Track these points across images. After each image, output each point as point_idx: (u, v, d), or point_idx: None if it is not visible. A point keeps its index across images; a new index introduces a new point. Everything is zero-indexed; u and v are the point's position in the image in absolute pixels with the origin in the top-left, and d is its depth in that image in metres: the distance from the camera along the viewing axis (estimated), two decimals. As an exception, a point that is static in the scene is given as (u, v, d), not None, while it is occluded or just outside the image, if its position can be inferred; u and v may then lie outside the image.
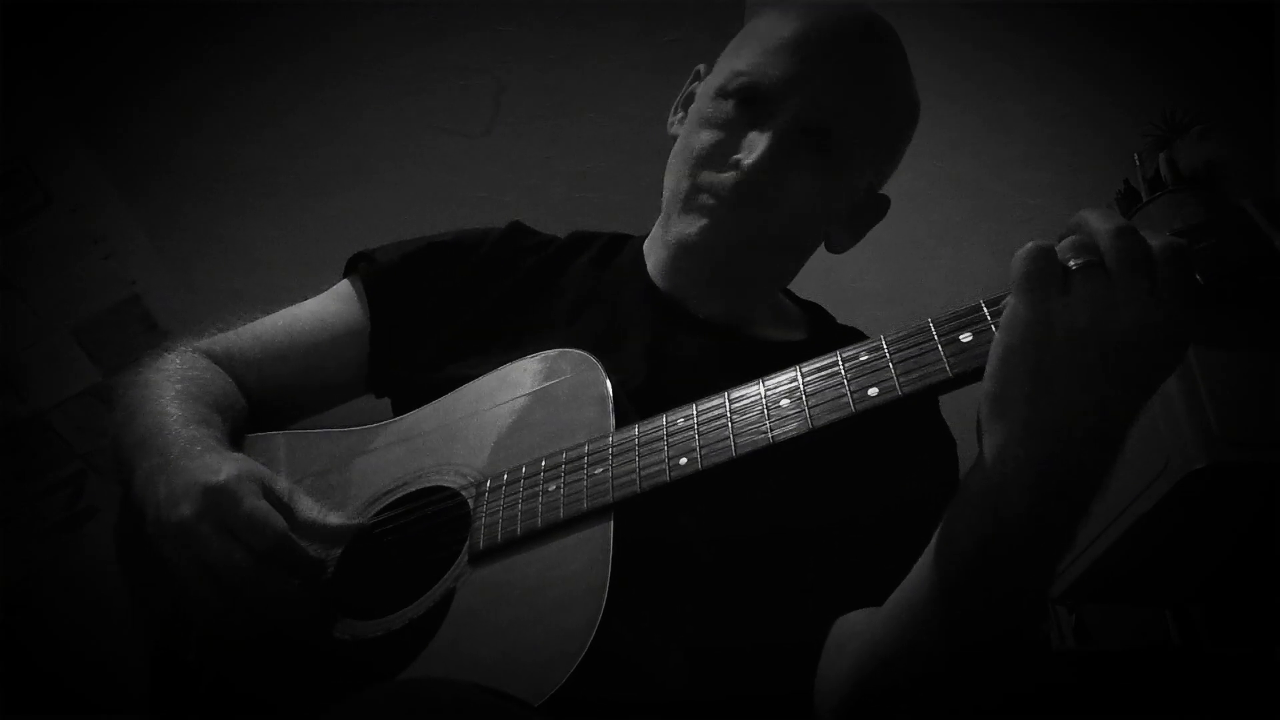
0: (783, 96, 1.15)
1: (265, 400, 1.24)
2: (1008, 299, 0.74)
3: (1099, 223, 0.73)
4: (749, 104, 1.16)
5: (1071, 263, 0.72)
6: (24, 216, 2.49)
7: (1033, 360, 0.72)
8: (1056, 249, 0.73)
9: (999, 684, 0.88)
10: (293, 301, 1.31)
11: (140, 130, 2.52)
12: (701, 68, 1.30)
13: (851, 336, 1.23)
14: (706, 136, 1.18)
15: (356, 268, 1.29)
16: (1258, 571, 1.74)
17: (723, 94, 1.19)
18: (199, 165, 2.59)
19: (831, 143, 1.16)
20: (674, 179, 1.21)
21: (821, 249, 1.29)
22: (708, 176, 1.17)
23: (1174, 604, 1.98)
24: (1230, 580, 1.84)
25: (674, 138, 1.27)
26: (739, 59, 1.20)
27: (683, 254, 1.19)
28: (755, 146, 1.14)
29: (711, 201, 1.16)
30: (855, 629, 0.96)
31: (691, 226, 1.17)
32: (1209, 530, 1.72)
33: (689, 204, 1.18)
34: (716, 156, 1.17)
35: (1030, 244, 0.73)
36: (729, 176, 1.15)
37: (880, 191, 1.30)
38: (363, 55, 2.54)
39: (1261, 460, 1.57)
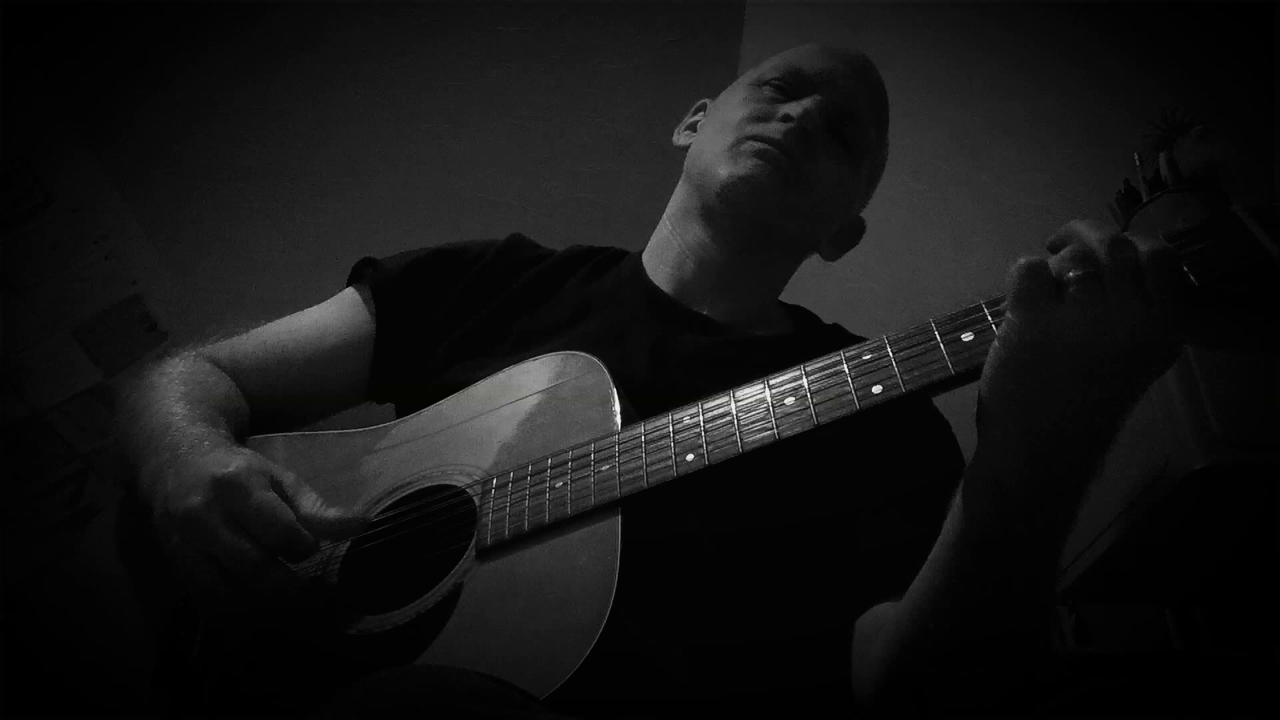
0: (819, 81, 1.26)
1: (269, 405, 1.25)
2: (1005, 313, 0.76)
3: (1091, 232, 0.75)
4: (787, 88, 1.26)
5: (1070, 274, 0.74)
6: (24, 216, 2.49)
7: (1030, 372, 0.75)
8: (1051, 262, 0.75)
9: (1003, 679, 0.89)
10: (292, 301, 1.32)
11: (140, 130, 2.52)
12: (708, 101, 1.37)
13: (837, 334, 1.28)
14: (748, 108, 1.25)
15: (362, 275, 1.30)
16: (1258, 571, 1.74)
17: (759, 83, 1.28)
18: (199, 165, 2.59)
19: (856, 132, 1.26)
20: (712, 146, 1.26)
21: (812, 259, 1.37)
22: (755, 129, 1.23)
23: (1174, 604, 1.98)
24: (1230, 580, 1.84)
25: (682, 148, 1.34)
26: (771, 62, 1.30)
27: (729, 194, 1.21)
28: (803, 104, 1.22)
29: (763, 146, 1.21)
30: (883, 618, 0.98)
31: (741, 167, 1.21)
32: (1209, 530, 1.72)
33: (735, 151, 1.23)
34: (762, 116, 1.24)
35: (1023, 260, 0.75)
36: (779, 125, 1.22)
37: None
38: (363, 56, 2.54)
39: (1261, 460, 1.58)
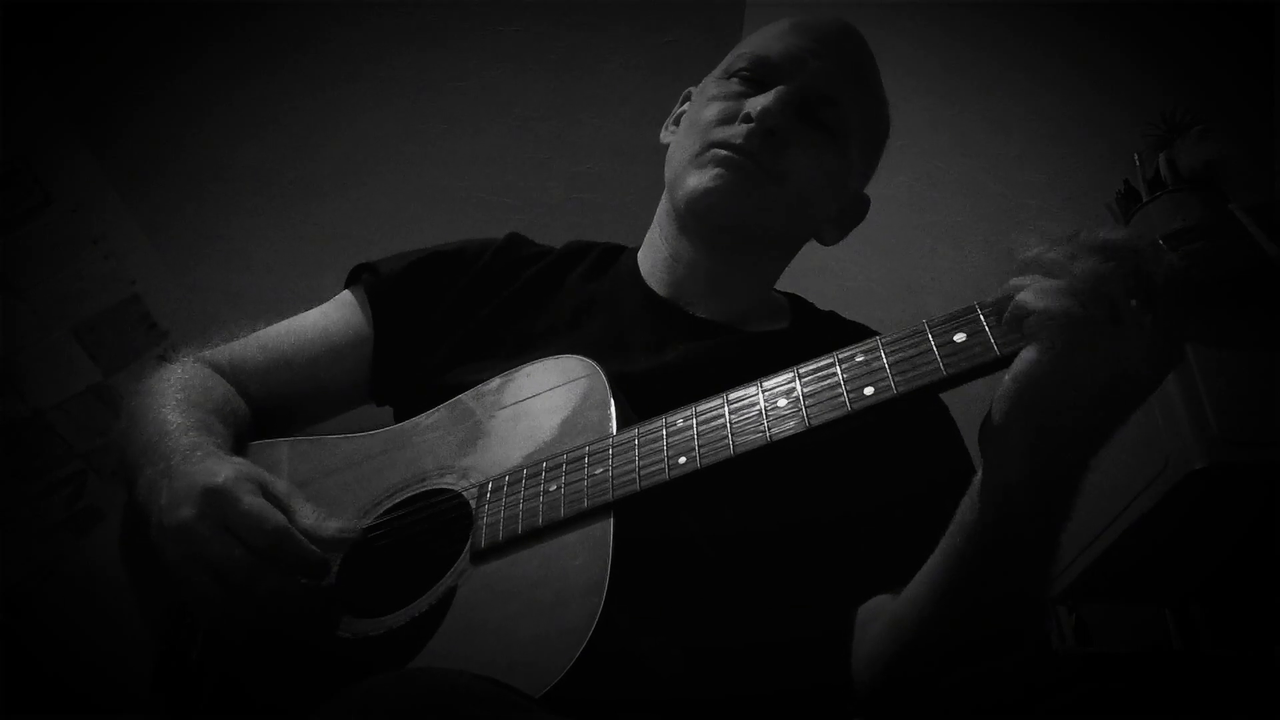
0: (788, 66, 1.21)
1: (269, 408, 1.25)
2: (1022, 351, 0.77)
3: (1095, 263, 0.75)
4: (755, 78, 1.22)
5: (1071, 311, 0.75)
6: (24, 216, 2.49)
7: (1046, 406, 0.77)
8: (1072, 297, 0.75)
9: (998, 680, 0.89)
10: (292, 301, 1.32)
11: (139, 130, 2.52)
12: (692, 90, 1.34)
13: (832, 321, 1.28)
14: (715, 107, 1.22)
15: (359, 278, 1.30)
16: (1258, 571, 1.74)
17: (728, 73, 1.25)
18: (199, 165, 2.59)
19: (833, 115, 1.22)
20: (681, 152, 1.24)
21: (810, 245, 1.34)
22: (719, 133, 1.20)
23: (1174, 604, 1.98)
24: (1230, 580, 1.84)
25: (666, 145, 1.31)
26: (741, 49, 1.26)
27: (695, 208, 1.20)
28: (763, 100, 1.18)
29: (725, 153, 1.19)
30: (880, 610, 0.99)
31: (704, 178, 1.19)
32: (1209, 530, 1.72)
33: (700, 160, 1.20)
34: (726, 118, 1.21)
35: (1055, 305, 0.74)
36: (741, 128, 1.19)
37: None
38: (362, 56, 2.55)
39: (1261, 460, 1.58)
